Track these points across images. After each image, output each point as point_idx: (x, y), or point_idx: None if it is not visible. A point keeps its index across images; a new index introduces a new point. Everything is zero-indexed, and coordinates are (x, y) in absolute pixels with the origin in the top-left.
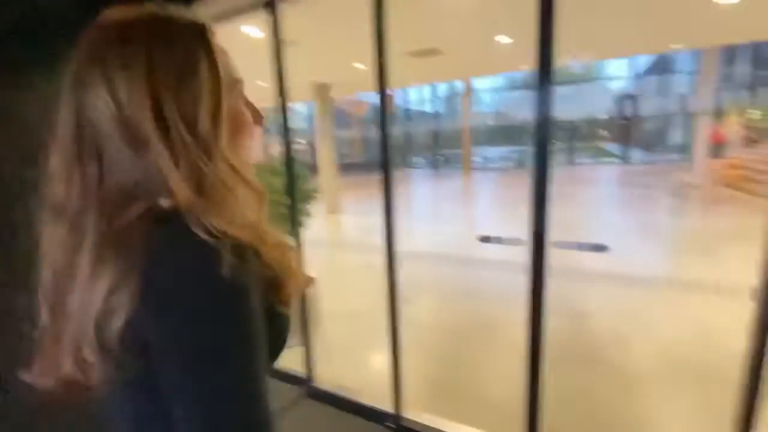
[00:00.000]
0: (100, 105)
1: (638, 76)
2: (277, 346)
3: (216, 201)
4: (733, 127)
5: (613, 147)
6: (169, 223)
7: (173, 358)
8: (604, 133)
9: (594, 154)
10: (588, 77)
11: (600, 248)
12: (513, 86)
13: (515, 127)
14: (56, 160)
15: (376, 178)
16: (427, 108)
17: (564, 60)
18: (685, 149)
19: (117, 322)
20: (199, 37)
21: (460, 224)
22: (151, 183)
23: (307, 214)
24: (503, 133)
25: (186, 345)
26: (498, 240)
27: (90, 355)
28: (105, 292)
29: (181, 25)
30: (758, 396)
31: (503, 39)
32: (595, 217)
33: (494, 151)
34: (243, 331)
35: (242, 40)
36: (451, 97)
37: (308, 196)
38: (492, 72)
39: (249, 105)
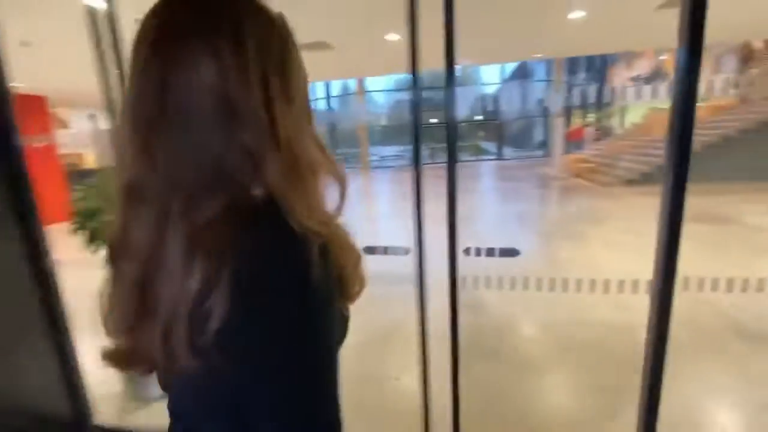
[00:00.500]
0: (200, 77)
1: (505, 82)
2: (345, 333)
3: (304, 189)
4: (583, 127)
5: (488, 145)
6: (264, 216)
7: (259, 359)
8: (480, 133)
9: (473, 152)
10: (464, 82)
11: (512, 252)
12: (401, 87)
13: (406, 126)
14: (134, 136)
15: None
16: (322, 106)
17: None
18: (545, 146)
19: (213, 325)
20: (287, 26)
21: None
22: (244, 166)
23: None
24: (396, 133)
25: (275, 349)
26: (384, 251)
27: (179, 348)
28: (197, 292)
29: (273, 13)
30: (660, 379)
31: (393, 37)
32: (481, 208)
33: (389, 150)
34: (326, 340)
35: None
36: (344, 97)
37: None
38: (385, 71)
39: None
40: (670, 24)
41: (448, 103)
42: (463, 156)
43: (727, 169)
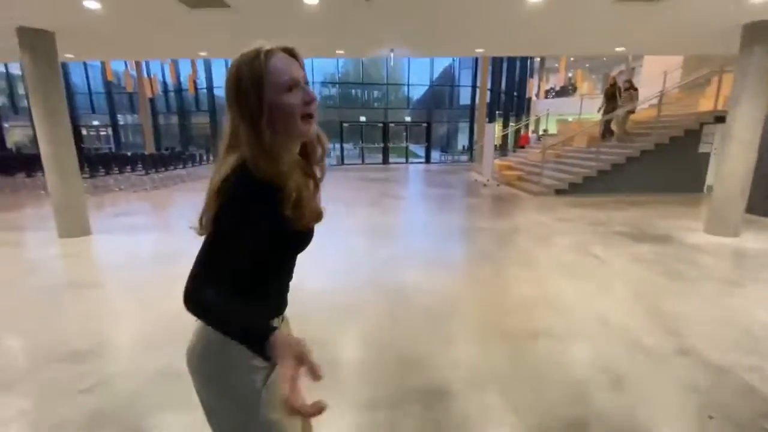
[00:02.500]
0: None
1: (432, 86)
2: (300, 246)
3: (266, 156)
4: (528, 134)
5: (416, 148)
6: (240, 170)
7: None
8: (407, 135)
9: (402, 154)
10: (392, 82)
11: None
12: (327, 81)
13: (333, 123)
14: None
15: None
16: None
17: (378, 51)
18: (467, 151)
19: (209, 216)
20: (255, 68)
21: None
22: (242, 144)
23: None
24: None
25: (216, 223)
26: None
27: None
28: (218, 182)
29: (250, 62)
30: None
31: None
32: (417, 223)
33: None
34: (232, 239)
35: None
36: None
37: None
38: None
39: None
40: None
41: None
42: (393, 158)
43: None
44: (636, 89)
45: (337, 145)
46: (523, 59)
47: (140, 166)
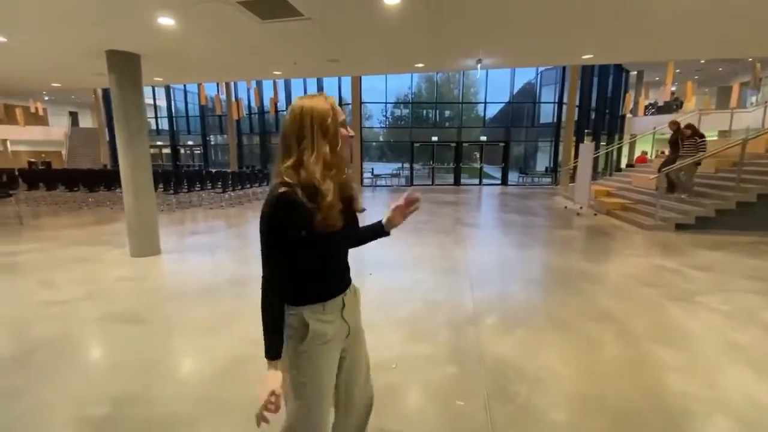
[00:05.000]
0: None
1: (510, 103)
2: (328, 248)
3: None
4: (644, 153)
5: (489, 169)
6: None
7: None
8: (478, 155)
9: (474, 175)
10: (467, 100)
11: None
12: (399, 101)
13: (404, 143)
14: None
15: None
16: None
17: (463, 62)
18: (553, 173)
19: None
20: (329, 110)
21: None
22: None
23: None
24: (392, 149)
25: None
26: None
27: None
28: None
29: (321, 104)
30: None
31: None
32: (500, 258)
33: (384, 168)
34: (272, 244)
35: None
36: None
37: None
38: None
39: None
40: None
41: None
42: (465, 179)
43: None
44: (702, 136)
45: (407, 165)
46: (617, 72)
47: (220, 183)
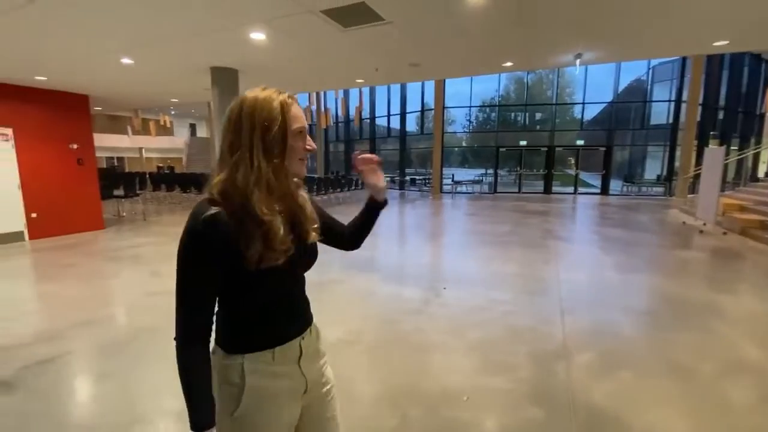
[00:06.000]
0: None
1: (613, 103)
2: (271, 289)
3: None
4: None
5: (586, 176)
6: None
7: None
8: (573, 160)
9: (568, 183)
10: (561, 102)
11: None
12: (485, 104)
13: (488, 148)
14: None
15: None
16: (396, 124)
17: (559, 59)
18: (664, 181)
19: None
20: (277, 110)
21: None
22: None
23: None
24: (475, 155)
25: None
26: None
27: None
28: None
29: (269, 103)
30: None
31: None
32: (603, 284)
33: (465, 174)
34: (185, 280)
35: None
36: (422, 114)
37: None
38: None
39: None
40: None
41: None
42: (557, 187)
43: None
44: None
45: (491, 171)
46: (754, 63)
47: (305, 188)
